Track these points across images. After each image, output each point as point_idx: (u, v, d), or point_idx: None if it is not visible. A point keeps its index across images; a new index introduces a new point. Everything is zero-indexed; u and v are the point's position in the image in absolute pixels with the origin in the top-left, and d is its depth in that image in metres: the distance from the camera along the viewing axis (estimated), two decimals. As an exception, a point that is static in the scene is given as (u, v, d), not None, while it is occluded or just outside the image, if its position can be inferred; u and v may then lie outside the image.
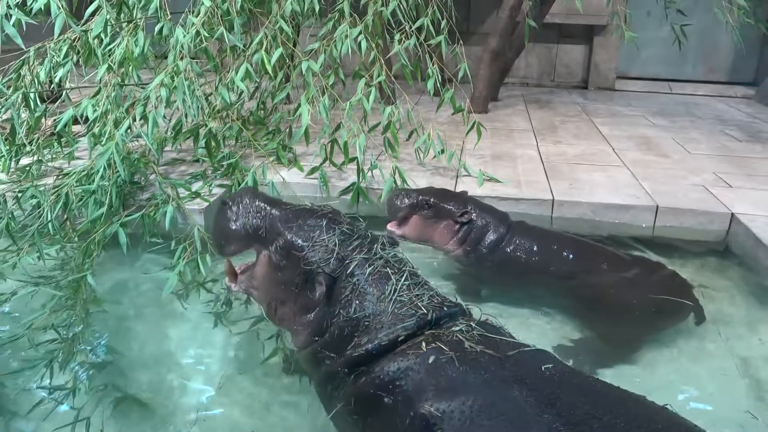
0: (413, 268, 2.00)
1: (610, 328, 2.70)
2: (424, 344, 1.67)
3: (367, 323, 1.80)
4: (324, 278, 1.91)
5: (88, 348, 2.54)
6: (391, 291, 1.84)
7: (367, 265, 1.91)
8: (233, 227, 2.18)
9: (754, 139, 5.42)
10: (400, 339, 1.73)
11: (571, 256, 2.88)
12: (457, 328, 1.72)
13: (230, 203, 2.23)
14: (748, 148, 5.10)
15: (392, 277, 1.89)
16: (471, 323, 1.76)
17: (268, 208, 2.16)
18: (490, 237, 2.98)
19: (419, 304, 1.81)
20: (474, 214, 3.04)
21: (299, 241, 2.02)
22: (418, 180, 3.88)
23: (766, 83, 7.61)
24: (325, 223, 2.05)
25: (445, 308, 1.83)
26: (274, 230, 2.09)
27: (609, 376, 2.40)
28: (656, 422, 1.42)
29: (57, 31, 3.62)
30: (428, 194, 3.11)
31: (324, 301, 1.92)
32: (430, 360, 1.62)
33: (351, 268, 1.91)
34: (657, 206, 3.61)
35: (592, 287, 2.77)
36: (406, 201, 3.08)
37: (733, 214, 3.51)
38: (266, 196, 2.28)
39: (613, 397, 1.51)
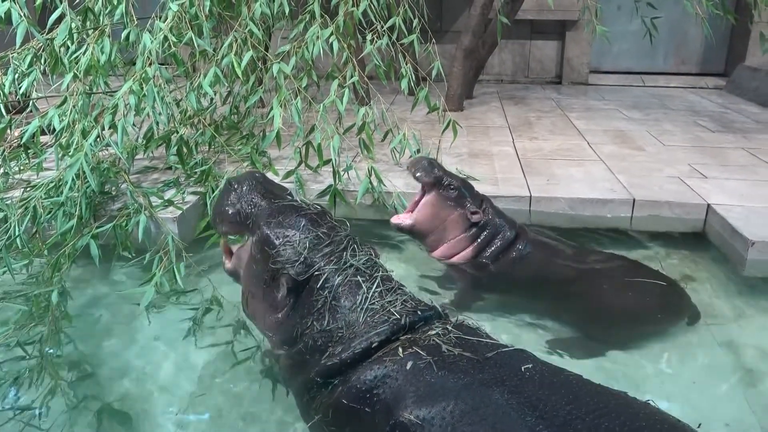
0: (386, 272, 1.96)
1: (607, 329, 2.71)
2: (400, 350, 1.64)
3: (340, 334, 1.77)
4: (287, 280, 1.89)
5: (57, 364, 2.45)
6: (362, 300, 1.80)
7: (337, 276, 1.87)
8: (229, 211, 2.18)
9: (727, 130, 5.47)
10: (374, 346, 1.70)
11: (570, 260, 2.89)
12: (434, 332, 1.68)
13: (234, 185, 2.22)
14: (721, 138, 5.14)
15: (363, 285, 1.85)
16: (447, 326, 1.73)
17: (259, 198, 2.15)
18: (499, 241, 2.93)
19: (392, 309, 1.77)
20: (487, 216, 2.97)
21: (272, 237, 2.00)
22: (395, 180, 3.85)
23: (736, 74, 7.70)
24: (303, 223, 2.01)
25: (419, 312, 1.80)
26: (257, 222, 2.08)
27: (591, 370, 2.39)
28: (640, 419, 1.39)
29: (19, 39, 3.53)
30: (453, 178, 3.04)
31: (291, 306, 1.90)
32: (408, 366, 1.58)
33: (321, 281, 1.87)
34: (634, 199, 3.61)
35: (595, 291, 2.75)
36: (436, 171, 2.99)
37: (709, 205, 3.52)
38: (267, 184, 2.25)
39: (596, 396, 1.48)
